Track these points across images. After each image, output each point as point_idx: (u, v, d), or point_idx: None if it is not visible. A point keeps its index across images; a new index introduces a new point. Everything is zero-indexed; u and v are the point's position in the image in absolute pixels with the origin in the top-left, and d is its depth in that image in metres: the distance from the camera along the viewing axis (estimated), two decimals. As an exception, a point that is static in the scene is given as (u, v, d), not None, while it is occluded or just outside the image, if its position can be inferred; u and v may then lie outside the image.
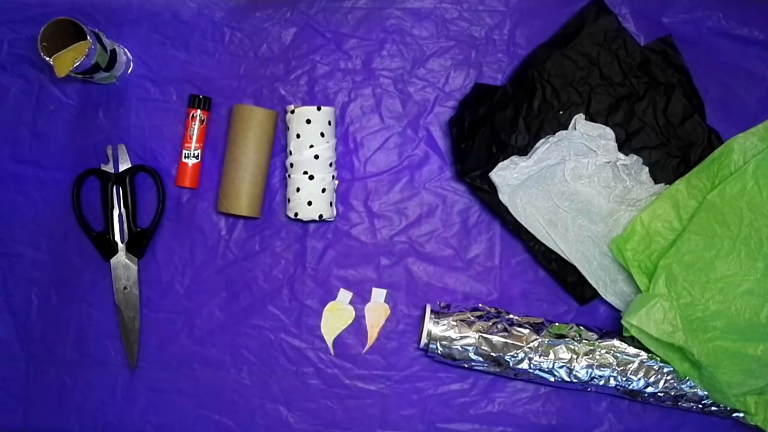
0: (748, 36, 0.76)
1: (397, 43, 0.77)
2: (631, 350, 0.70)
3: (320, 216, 0.73)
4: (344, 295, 0.76)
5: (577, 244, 0.74)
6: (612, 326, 0.75)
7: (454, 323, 0.70)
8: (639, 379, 0.69)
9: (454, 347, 0.70)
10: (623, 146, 0.75)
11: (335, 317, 0.75)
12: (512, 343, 0.69)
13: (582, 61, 0.75)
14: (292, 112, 0.73)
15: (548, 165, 0.73)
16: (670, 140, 0.75)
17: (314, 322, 0.76)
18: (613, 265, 0.74)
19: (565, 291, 0.75)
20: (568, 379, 0.70)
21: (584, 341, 0.70)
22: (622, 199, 0.74)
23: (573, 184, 0.74)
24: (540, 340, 0.70)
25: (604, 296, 0.74)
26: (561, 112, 0.75)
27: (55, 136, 0.77)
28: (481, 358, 0.70)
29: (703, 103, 0.75)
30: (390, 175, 0.77)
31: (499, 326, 0.70)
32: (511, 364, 0.70)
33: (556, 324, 0.72)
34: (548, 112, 0.75)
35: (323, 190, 0.73)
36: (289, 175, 0.74)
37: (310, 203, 0.73)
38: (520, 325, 0.71)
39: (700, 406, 0.70)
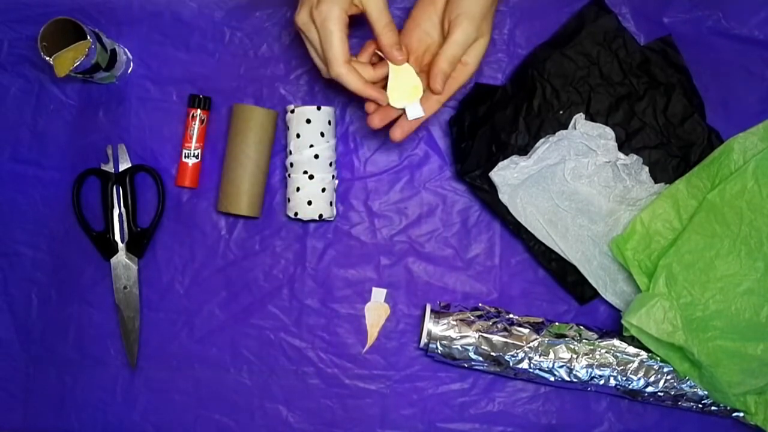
0: (748, 36, 0.76)
1: (397, 43, 0.77)
2: (631, 350, 0.70)
3: (320, 215, 0.73)
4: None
5: (577, 243, 0.74)
6: (612, 326, 0.75)
7: (454, 323, 0.70)
8: (639, 379, 0.69)
9: (454, 347, 0.70)
10: (623, 146, 0.75)
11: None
12: (512, 343, 0.70)
13: (582, 60, 0.75)
14: (292, 111, 0.73)
15: (548, 165, 0.73)
16: (670, 140, 0.75)
17: (314, 322, 0.76)
18: (613, 264, 0.74)
19: (565, 290, 0.75)
20: (568, 379, 0.70)
21: (584, 341, 0.70)
22: (622, 199, 0.74)
23: (573, 183, 0.74)
24: (540, 339, 0.70)
25: (604, 296, 0.74)
26: (561, 112, 0.75)
27: (55, 135, 0.77)
28: (481, 358, 0.70)
29: (703, 103, 0.75)
30: (390, 174, 0.77)
31: (499, 326, 0.70)
32: (511, 364, 0.70)
33: (556, 323, 0.72)
34: (548, 111, 0.75)
35: (323, 190, 0.73)
36: (289, 175, 0.74)
37: (310, 203, 0.73)
38: (520, 325, 0.71)
39: (700, 405, 0.70)
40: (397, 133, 0.65)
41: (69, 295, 0.76)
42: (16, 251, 0.76)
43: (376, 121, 0.65)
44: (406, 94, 0.63)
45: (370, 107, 0.65)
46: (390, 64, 0.63)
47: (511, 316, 0.72)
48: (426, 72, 0.64)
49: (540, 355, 0.69)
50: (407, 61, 0.63)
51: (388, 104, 0.63)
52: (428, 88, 0.63)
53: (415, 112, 0.64)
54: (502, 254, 0.76)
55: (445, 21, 0.63)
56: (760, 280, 0.68)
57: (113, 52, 0.73)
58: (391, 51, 0.62)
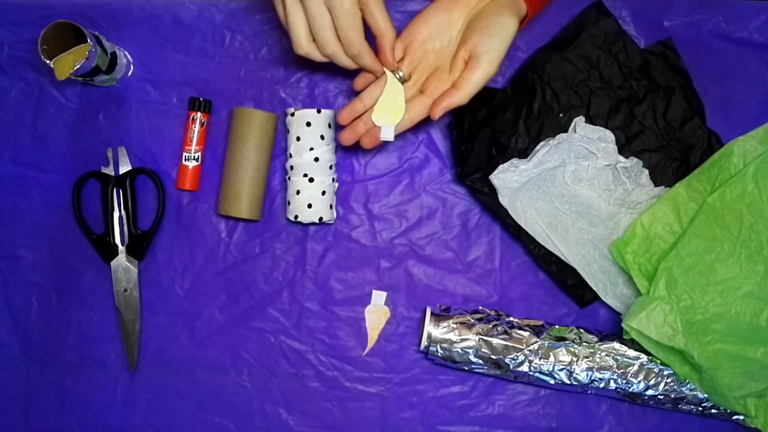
0: (748, 39, 0.76)
1: (398, 46, 0.77)
2: (632, 353, 0.70)
3: (320, 218, 0.73)
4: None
5: (578, 246, 0.74)
6: (612, 329, 0.75)
7: (455, 326, 0.70)
8: (639, 382, 0.69)
9: (455, 350, 0.70)
10: (623, 149, 0.75)
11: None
12: (512, 346, 0.69)
13: (582, 63, 0.75)
14: (292, 114, 0.73)
15: (548, 168, 0.73)
16: (670, 143, 0.75)
17: (314, 325, 0.76)
18: (614, 267, 0.74)
19: (565, 293, 0.75)
20: (569, 382, 0.70)
21: (584, 344, 0.70)
22: (622, 202, 0.74)
23: (573, 186, 0.74)
24: (540, 342, 0.70)
25: (604, 299, 0.74)
26: (561, 115, 0.75)
27: (56, 138, 0.77)
28: (481, 361, 0.70)
29: (703, 106, 0.75)
30: (390, 177, 0.77)
31: (499, 329, 0.70)
32: (511, 367, 0.70)
33: (557, 327, 0.72)
34: (548, 114, 0.75)
35: (323, 193, 0.73)
36: (289, 178, 0.74)
37: (310, 206, 0.73)
38: (520, 328, 0.71)
39: (700, 408, 0.70)
40: (366, 141, 0.67)
41: (69, 297, 0.76)
42: (16, 254, 0.76)
43: (345, 137, 0.68)
44: (389, 115, 0.66)
45: (358, 81, 0.67)
46: (388, 82, 0.65)
47: (511, 319, 0.72)
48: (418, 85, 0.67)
49: (540, 358, 0.69)
50: (398, 67, 0.66)
51: (372, 121, 0.66)
52: (429, 112, 0.65)
53: (388, 135, 0.66)
54: (502, 257, 0.76)
55: (461, 48, 0.64)
56: (760, 283, 0.68)
57: (113, 55, 0.73)
58: (388, 52, 0.64)
